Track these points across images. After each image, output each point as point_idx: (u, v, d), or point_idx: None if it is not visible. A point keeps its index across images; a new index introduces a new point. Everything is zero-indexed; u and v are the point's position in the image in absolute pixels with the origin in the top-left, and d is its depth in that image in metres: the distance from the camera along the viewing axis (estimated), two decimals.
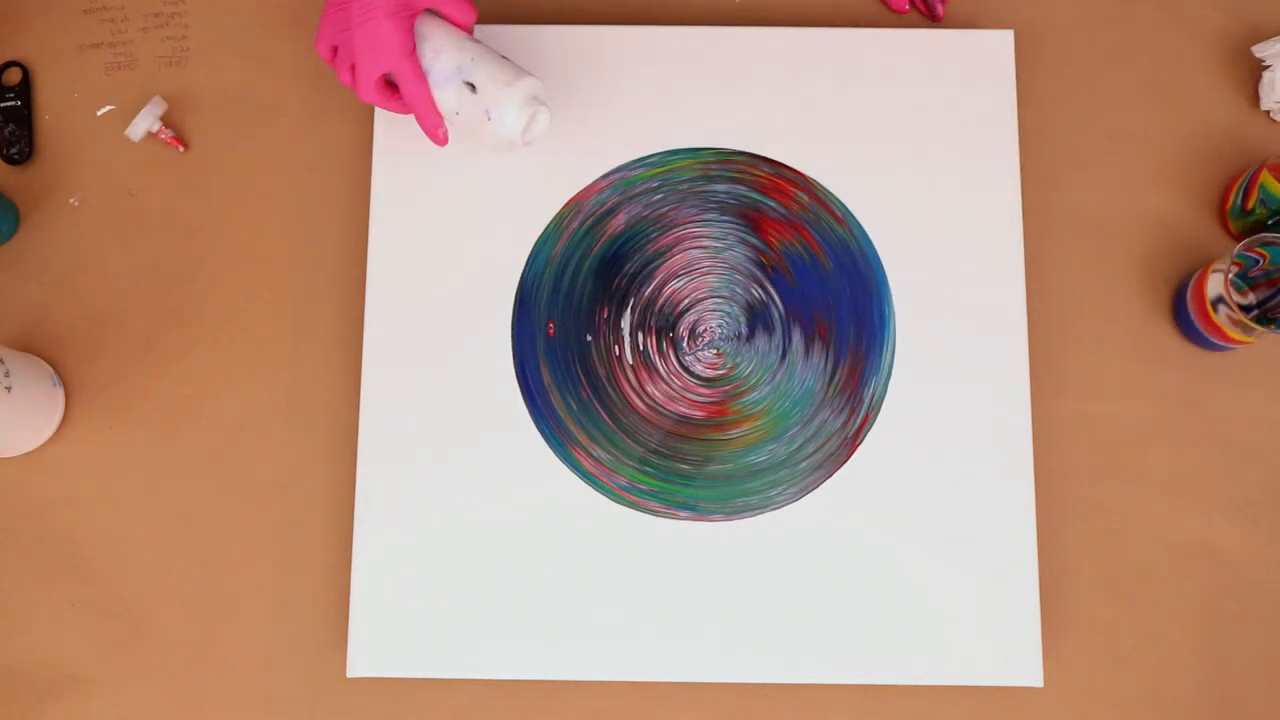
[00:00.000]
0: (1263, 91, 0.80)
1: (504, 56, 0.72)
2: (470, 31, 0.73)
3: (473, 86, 0.70)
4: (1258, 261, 0.75)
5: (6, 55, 0.83)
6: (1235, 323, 0.72)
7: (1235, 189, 0.78)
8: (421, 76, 0.70)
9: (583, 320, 0.77)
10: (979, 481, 0.74)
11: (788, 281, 0.77)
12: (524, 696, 0.73)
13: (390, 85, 0.72)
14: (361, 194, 0.79)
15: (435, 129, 0.72)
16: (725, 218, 0.78)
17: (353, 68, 0.70)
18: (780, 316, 0.76)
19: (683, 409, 0.75)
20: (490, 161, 0.78)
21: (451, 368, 0.75)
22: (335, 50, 0.71)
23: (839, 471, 0.74)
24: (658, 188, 0.78)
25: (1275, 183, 0.74)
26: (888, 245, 0.77)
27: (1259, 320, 0.74)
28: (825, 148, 0.78)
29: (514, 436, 0.75)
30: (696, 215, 0.78)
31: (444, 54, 0.70)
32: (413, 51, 0.70)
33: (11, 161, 0.81)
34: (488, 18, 0.82)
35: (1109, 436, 0.77)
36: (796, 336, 0.76)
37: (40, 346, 0.79)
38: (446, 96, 0.71)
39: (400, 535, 0.73)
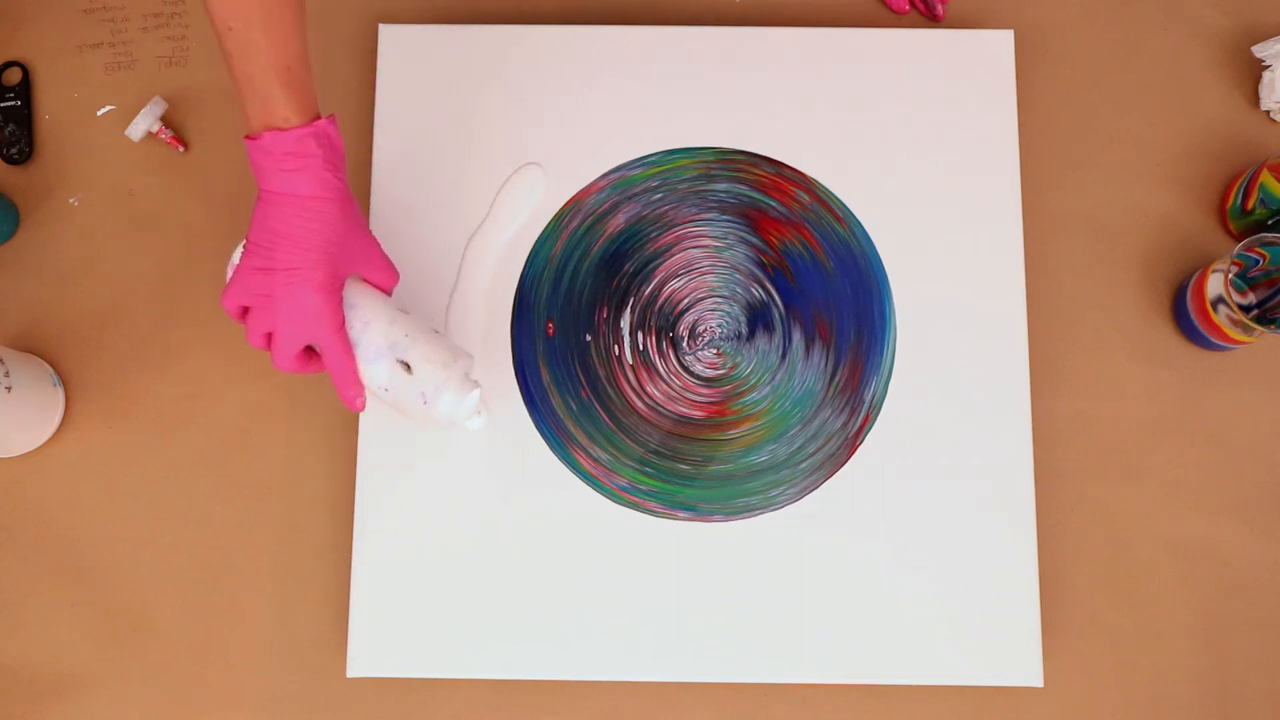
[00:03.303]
0: (1263, 91, 0.80)
1: (435, 330, 0.67)
2: (391, 294, 0.68)
3: (407, 366, 0.65)
4: (1258, 261, 0.75)
5: (6, 55, 0.83)
6: (1235, 323, 0.72)
7: (1235, 189, 0.78)
8: (350, 350, 0.65)
9: (582, 320, 0.77)
10: (979, 482, 0.74)
11: (788, 281, 0.77)
12: (524, 696, 0.73)
13: (310, 350, 0.66)
14: (360, 194, 0.79)
15: (354, 399, 0.66)
16: (725, 217, 0.78)
17: (270, 335, 0.64)
18: (780, 316, 0.76)
19: (683, 409, 0.75)
20: (490, 160, 0.78)
21: None
22: (246, 310, 0.64)
23: (839, 472, 0.74)
24: (657, 187, 0.78)
25: (1275, 183, 0.74)
26: (888, 245, 0.77)
27: (1259, 320, 0.74)
28: (825, 147, 0.78)
29: (513, 437, 0.75)
30: (696, 215, 0.78)
31: (374, 326, 0.65)
32: (343, 324, 0.64)
33: (11, 161, 0.81)
34: (489, 18, 0.82)
35: (1109, 436, 0.77)
36: (797, 336, 0.76)
37: (40, 346, 0.79)
38: (376, 371, 0.65)
39: (400, 535, 0.73)
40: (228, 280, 0.66)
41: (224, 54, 0.62)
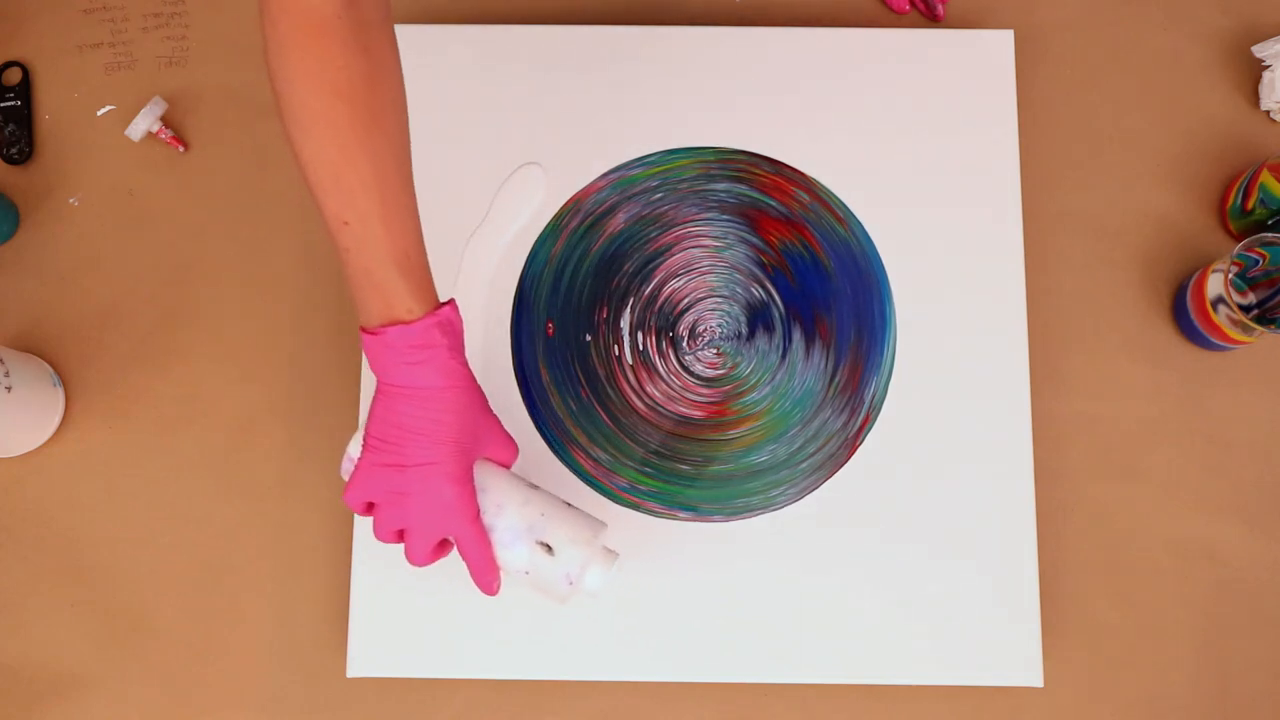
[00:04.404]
0: (1263, 91, 0.80)
1: (567, 503, 0.64)
2: (511, 468, 0.65)
3: (548, 547, 0.62)
4: (1258, 261, 0.75)
5: (6, 55, 0.83)
6: (1235, 323, 0.72)
7: (1235, 189, 0.78)
8: (485, 538, 0.61)
9: (582, 320, 0.77)
10: (979, 481, 0.74)
11: (788, 281, 0.77)
12: (524, 696, 0.73)
13: (444, 540, 0.63)
14: None
15: (490, 584, 0.63)
16: (725, 217, 0.78)
17: (402, 531, 0.61)
18: (780, 316, 0.76)
19: (683, 409, 0.75)
20: (490, 160, 0.78)
21: None
22: (370, 505, 0.62)
23: (839, 472, 0.74)
24: (657, 187, 0.78)
25: (1275, 183, 0.74)
26: (888, 245, 0.77)
27: (1259, 320, 0.74)
28: (825, 147, 0.78)
29: (513, 437, 0.74)
30: (696, 214, 0.78)
31: (508, 509, 0.62)
32: (478, 513, 0.61)
33: (11, 161, 0.81)
34: (490, 18, 0.82)
35: (1109, 436, 0.77)
36: (797, 336, 0.76)
37: (40, 346, 0.79)
38: (515, 556, 0.62)
39: None
40: (345, 475, 0.64)
41: (337, 248, 0.58)
